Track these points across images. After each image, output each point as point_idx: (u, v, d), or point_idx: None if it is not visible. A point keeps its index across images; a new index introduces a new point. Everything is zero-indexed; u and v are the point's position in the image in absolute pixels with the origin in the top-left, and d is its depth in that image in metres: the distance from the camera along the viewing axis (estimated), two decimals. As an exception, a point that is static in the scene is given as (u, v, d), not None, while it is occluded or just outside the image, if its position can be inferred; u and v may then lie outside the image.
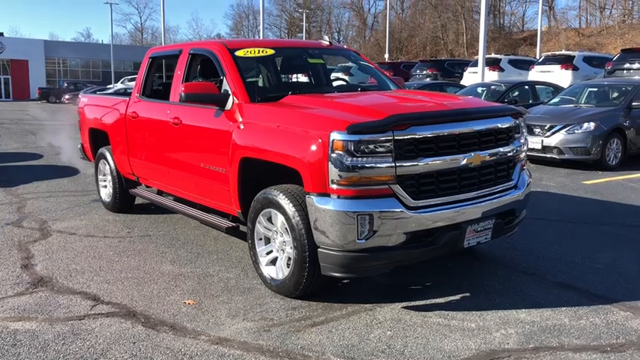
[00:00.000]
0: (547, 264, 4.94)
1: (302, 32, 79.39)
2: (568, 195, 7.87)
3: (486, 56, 19.52)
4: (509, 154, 4.30)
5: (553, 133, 9.91)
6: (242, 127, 4.44)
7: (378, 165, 3.65)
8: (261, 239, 4.39)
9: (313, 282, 4.00)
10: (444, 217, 3.87)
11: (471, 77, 20.45)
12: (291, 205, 3.97)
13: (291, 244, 4.03)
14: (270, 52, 5.16)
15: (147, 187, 6.64)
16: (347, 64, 6.81)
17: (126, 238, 5.89)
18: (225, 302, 4.17)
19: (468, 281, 4.55)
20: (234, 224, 4.81)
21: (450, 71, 24.02)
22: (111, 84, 45.37)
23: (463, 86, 16.20)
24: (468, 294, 4.27)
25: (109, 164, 6.80)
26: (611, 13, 56.13)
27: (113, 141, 6.57)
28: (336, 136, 3.64)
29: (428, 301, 4.14)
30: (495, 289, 4.36)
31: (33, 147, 13.96)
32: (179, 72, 5.43)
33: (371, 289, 4.40)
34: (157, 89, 6.22)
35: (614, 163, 9.96)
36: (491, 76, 20.13)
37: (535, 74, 18.92)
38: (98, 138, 7.04)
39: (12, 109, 34.99)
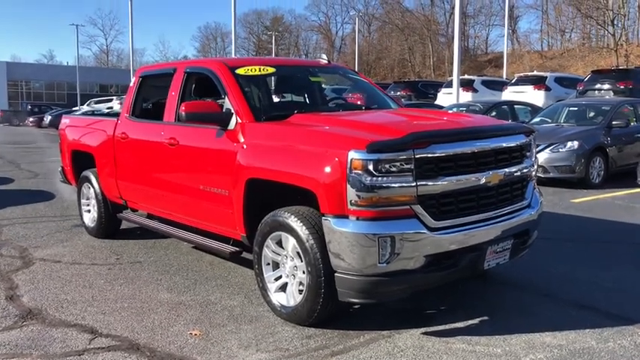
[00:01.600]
0: (556, 283, 4.86)
1: (270, 54, 79.79)
2: (560, 213, 7.86)
3: (461, 77, 19.79)
4: (523, 173, 4.22)
5: (537, 152, 9.94)
6: (247, 147, 4.26)
7: (399, 184, 3.51)
8: (269, 264, 4.18)
9: (329, 308, 3.81)
10: (465, 238, 3.75)
11: (445, 98, 20.64)
12: (304, 227, 3.78)
13: (304, 269, 3.84)
14: (271, 70, 5.01)
15: (133, 210, 6.35)
16: (341, 86, 6.73)
17: (115, 265, 5.59)
18: (233, 332, 3.93)
19: (484, 304, 4.42)
20: (237, 249, 4.59)
21: (423, 92, 24.23)
22: (77, 106, 44.45)
23: (440, 107, 16.29)
24: (486, 317, 4.13)
25: (93, 187, 6.50)
26: (570, 37, 58.09)
27: (99, 163, 6.29)
28: (354, 155, 3.49)
29: (447, 326, 3.98)
30: (512, 312, 4.24)
31: (2, 171, 13.43)
32: (174, 92, 5.22)
33: (385, 313, 4.23)
34: (147, 109, 5.98)
35: (597, 181, 10.07)
36: (466, 96, 20.36)
37: (509, 94, 19.23)
38: (81, 160, 6.74)
39: None
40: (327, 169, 3.63)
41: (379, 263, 3.51)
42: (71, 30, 67.15)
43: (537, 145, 9.78)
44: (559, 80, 20.04)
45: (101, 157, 6.22)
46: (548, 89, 19.13)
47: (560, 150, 9.85)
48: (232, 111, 4.50)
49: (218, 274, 5.21)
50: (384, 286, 3.61)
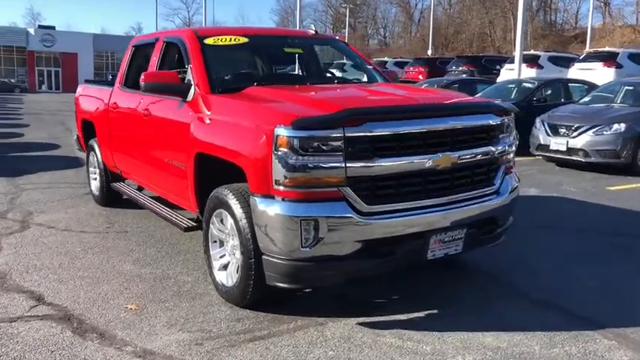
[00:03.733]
0: (536, 279, 4.44)
1: (348, 27, 79.00)
2: (586, 202, 7.23)
3: (525, 53, 18.69)
4: (491, 156, 3.84)
5: (579, 134, 9.23)
6: (198, 119, 4.12)
7: (327, 165, 3.25)
8: (215, 242, 4.05)
9: (260, 291, 3.64)
10: (402, 225, 3.45)
11: (507, 74, 19.58)
12: (239, 206, 3.62)
13: (239, 249, 3.69)
14: (243, 40, 4.80)
15: (124, 180, 6.39)
16: (342, 62, 6.36)
17: (101, 234, 5.66)
18: (169, 309, 3.86)
19: (442, 295, 4.11)
20: (193, 224, 4.49)
21: (487, 68, 23.13)
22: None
23: (493, 83, 15.46)
24: (435, 310, 3.83)
25: (96, 156, 6.61)
26: (670, 9, 53.40)
27: (98, 132, 6.38)
28: (280, 131, 3.26)
29: (389, 317, 3.72)
30: (468, 306, 3.91)
31: (55, 137, 14.06)
32: (153, 61, 5.15)
33: (333, 300, 4.01)
34: (137, 79, 5.95)
35: (646, 168, 9.18)
36: (529, 73, 19.20)
37: (575, 72, 17.89)
38: (89, 129, 6.86)
39: (56, 100, 35.80)
40: (255, 146, 3.43)
41: (302, 247, 3.29)
42: (159, 2, 69.45)
43: (579, 127, 9.14)
44: (633, 57, 18.41)
45: (99, 126, 6.29)
46: (619, 67, 17.61)
47: (605, 132, 9.04)
48: (192, 82, 4.36)
49: (192, 249, 5.15)
50: (309, 272, 3.40)
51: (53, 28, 63.17)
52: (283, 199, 3.31)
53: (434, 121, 3.53)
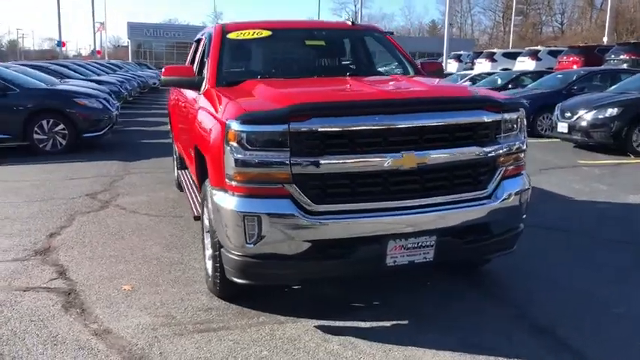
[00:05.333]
0: (536, 292, 3.92)
1: (520, 15, 74.57)
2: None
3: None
4: (480, 157, 3.43)
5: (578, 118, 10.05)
6: (199, 112, 4.23)
7: (272, 160, 3.16)
8: (208, 232, 4.15)
9: (227, 284, 3.65)
10: (355, 227, 3.23)
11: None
12: (210, 199, 3.67)
13: (211, 241, 3.75)
14: (266, 33, 4.80)
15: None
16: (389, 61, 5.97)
17: (158, 217, 6.07)
18: (156, 293, 4.04)
19: (421, 305, 3.79)
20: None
21: (655, 56, 20.36)
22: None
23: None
24: (405, 322, 3.54)
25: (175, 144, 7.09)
26: None
27: (172, 121, 6.83)
28: (230, 125, 3.24)
29: (349, 323, 3.53)
30: (441, 323, 3.54)
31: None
32: (194, 55, 5.38)
33: (313, 300, 3.91)
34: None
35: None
36: None
37: None
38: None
39: None
40: (213, 139, 3.46)
41: (246, 243, 3.25)
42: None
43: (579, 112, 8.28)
44: None
45: (171, 116, 6.74)
46: None
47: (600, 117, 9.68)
48: (205, 75, 4.49)
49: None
50: (257, 269, 3.34)
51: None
52: (233, 194, 3.29)
53: (395, 117, 3.23)
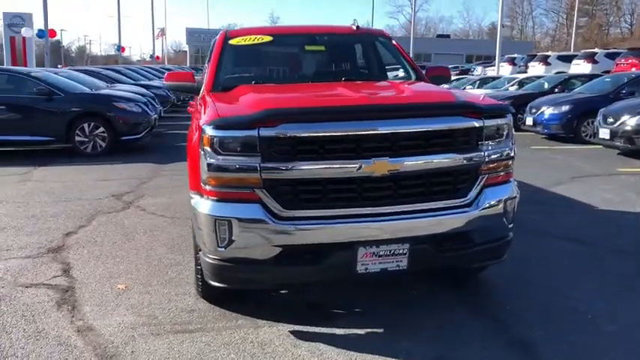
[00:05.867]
0: (528, 308, 3.75)
1: (585, 16, 72.05)
2: None
3: None
4: (458, 164, 3.35)
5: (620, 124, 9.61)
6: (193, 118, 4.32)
7: (242, 165, 3.19)
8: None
9: (207, 286, 3.70)
10: (325, 233, 3.22)
11: None
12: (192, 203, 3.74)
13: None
14: (267, 39, 4.85)
15: None
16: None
17: (173, 219, 6.22)
18: (147, 292, 4.14)
19: (401, 313, 3.73)
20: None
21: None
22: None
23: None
24: (380, 330, 3.49)
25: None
26: None
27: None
28: (205, 130, 3.30)
29: (325, 330, 3.51)
30: (416, 330, 3.48)
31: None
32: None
33: (298, 305, 3.92)
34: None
35: None
36: None
37: None
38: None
39: None
40: (193, 144, 3.53)
41: (218, 247, 3.29)
42: (378, 2, 72.02)
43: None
44: None
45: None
46: None
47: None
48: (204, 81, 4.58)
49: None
50: (230, 272, 3.37)
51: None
52: (207, 198, 3.34)
53: (367, 124, 3.20)
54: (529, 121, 13.03)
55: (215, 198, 3.30)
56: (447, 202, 3.37)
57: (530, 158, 10.13)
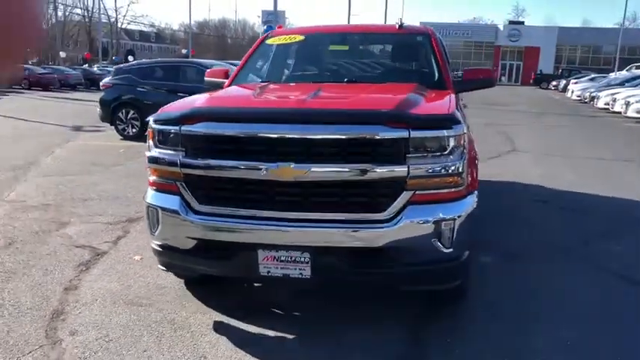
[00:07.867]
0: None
1: None
2: None
3: None
4: (376, 176, 3.10)
5: None
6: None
7: (168, 159, 3.43)
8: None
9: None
10: (228, 231, 3.29)
11: None
12: None
13: None
14: (299, 38, 4.90)
15: None
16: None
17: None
18: (147, 266, 4.58)
19: (330, 325, 3.57)
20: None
21: None
22: (614, 71, 42.54)
23: None
24: (291, 336, 3.41)
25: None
26: None
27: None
28: (149, 123, 3.62)
29: (243, 326, 3.56)
30: (322, 345, 3.32)
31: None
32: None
33: (257, 301, 4.03)
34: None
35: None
36: None
37: None
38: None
39: (500, 93, 35.50)
40: (153, 137, 3.84)
41: (151, 233, 3.59)
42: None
43: None
44: None
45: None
46: None
47: None
48: (235, 78, 4.86)
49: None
50: (163, 258, 3.63)
51: (522, 23, 65.77)
52: (149, 187, 3.66)
53: (275, 127, 3.15)
54: None
55: (153, 188, 3.60)
56: (360, 215, 3.17)
57: None
